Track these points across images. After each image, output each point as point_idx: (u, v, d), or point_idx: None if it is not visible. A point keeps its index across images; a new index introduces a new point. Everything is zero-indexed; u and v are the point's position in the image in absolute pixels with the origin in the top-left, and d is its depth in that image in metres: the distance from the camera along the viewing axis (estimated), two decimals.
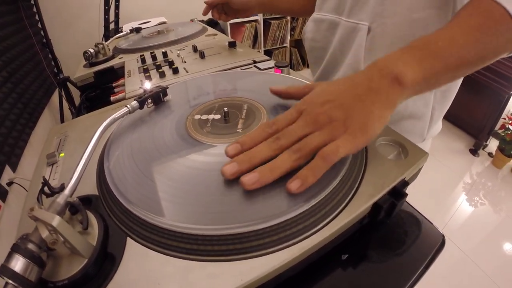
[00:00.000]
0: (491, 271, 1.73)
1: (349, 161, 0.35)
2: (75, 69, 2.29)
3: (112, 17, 1.60)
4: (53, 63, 1.92)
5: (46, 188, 0.31)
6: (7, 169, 1.15)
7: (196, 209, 0.30)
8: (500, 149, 2.57)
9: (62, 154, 0.46)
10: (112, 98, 0.68)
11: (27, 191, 1.17)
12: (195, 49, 0.81)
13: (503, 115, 2.68)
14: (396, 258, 0.35)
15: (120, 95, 0.67)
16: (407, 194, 0.35)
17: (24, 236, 0.25)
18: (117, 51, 0.94)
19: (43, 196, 0.31)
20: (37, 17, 1.81)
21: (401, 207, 0.37)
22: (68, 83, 1.87)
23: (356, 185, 0.34)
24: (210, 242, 0.28)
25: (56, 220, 0.25)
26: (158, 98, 0.48)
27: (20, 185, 1.19)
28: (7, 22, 1.48)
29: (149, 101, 0.46)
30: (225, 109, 0.43)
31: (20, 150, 1.28)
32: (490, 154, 2.77)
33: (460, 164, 2.66)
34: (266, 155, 0.32)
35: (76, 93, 1.99)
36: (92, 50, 0.86)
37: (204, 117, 0.45)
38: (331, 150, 0.30)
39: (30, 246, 0.25)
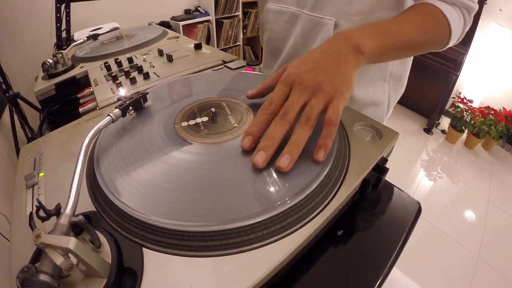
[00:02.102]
0: (460, 237, 1.88)
1: (336, 147, 0.39)
2: (25, 84, 2.15)
3: (63, 25, 1.51)
4: (0, 79, 1.78)
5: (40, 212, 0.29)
6: None
7: (214, 206, 0.32)
8: (452, 125, 2.81)
9: (41, 174, 0.44)
10: (81, 110, 0.65)
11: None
12: (161, 52, 0.80)
13: (452, 95, 2.93)
14: (383, 228, 0.40)
15: (90, 105, 0.65)
16: (388, 169, 0.41)
17: (26, 268, 0.23)
18: (77, 60, 0.89)
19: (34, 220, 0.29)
20: None
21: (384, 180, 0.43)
22: (19, 99, 1.75)
23: (346, 166, 0.38)
24: (233, 235, 0.29)
25: (72, 242, 0.23)
26: (139, 104, 0.47)
27: None
28: None
29: (130, 108, 0.45)
30: (213, 109, 0.44)
31: None
32: (443, 131, 3.01)
33: (416, 143, 2.86)
34: (282, 133, 0.36)
35: (28, 110, 1.87)
36: (50, 61, 0.82)
37: (192, 122, 0.45)
38: (333, 113, 0.35)
39: (43, 277, 0.23)
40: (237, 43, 3.46)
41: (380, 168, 0.40)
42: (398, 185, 0.46)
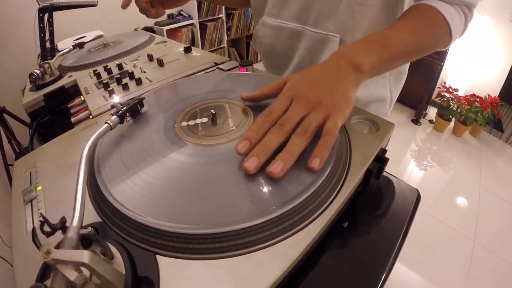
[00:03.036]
0: (454, 223, 1.91)
1: (338, 142, 0.39)
2: (10, 97, 2.11)
3: (46, 35, 1.48)
4: None
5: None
6: None
7: (226, 207, 0.32)
8: (439, 115, 2.86)
9: (39, 188, 0.42)
10: (73, 120, 0.64)
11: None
12: (150, 58, 0.79)
13: (438, 85, 2.97)
14: (387, 216, 0.41)
15: (82, 115, 0.64)
16: (388, 159, 0.42)
17: (37, 287, 0.22)
18: (64, 69, 0.88)
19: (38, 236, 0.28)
20: None
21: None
22: (4, 114, 1.71)
23: (349, 159, 0.39)
24: (248, 234, 0.29)
25: (86, 256, 0.23)
26: (136, 110, 0.47)
27: None
28: None
29: (127, 114, 0.45)
30: (212, 111, 0.44)
31: None
32: (430, 121, 3.06)
33: (405, 134, 2.90)
34: (277, 142, 0.35)
35: (14, 124, 1.83)
36: (38, 72, 0.80)
37: (192, 122, 0.45)
38: (332, 125, 0.36)
39: None
40: (222, 45, 3.46)
41: (381, 159, 0.41)
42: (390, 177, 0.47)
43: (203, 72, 0.70)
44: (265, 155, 0.34)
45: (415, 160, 2.54)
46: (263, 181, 0.34)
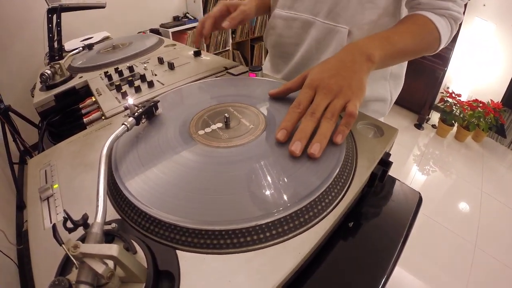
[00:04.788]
0: (456, 227, 1.92)
1: (345, 146, 0.42)
2: (16, 95, 2.13)
3: (54, 35, 1.50)
4: None
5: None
6: None
7: (244, 204, 0.34)
8: (442, 120, 2.86)
9: (56, 186, 0.43)
10: (85, 120, 0.65)
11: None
12: (161, 61, 0.80)
13: (441, 90, 2.99)
14: (390, 218, 0.43)
15: (94, 115, 0.65)
16: (392, 162, 0.45)
17: (58, 282, 0.23)
18: (74, 70, 0.90)
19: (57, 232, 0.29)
20: None
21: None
22: (10, 112, 1.73)
23: (355, 161, 0.43)
24: (263, 231, 0.31)
25: (116, 250, 0.24)
26: (151, 112, 0.48)
27: None
28: None
29: (143, 116, 0.46)
30: (226, 115, 0.46)
31: None
32: (433, 126, 3.07)
33: (408, 139, 2.90)
34: (312, 127, 0.41)
35: (20, 123, 1.85)
36: (49, 72, 0.81)
37: (208, 129, 0.47)
38: (353, 107, 0.42)
39: (83, 287, 0.23)
40: (227, 48, 3.47)
41: (385, 162, 0.44)
42: None
43: (214, 76, 0.71)
44: (305, 139, 0.40)
45: (417, 165, 2.55)
46: (280, 181, 0.37)
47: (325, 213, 0.34)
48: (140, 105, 0.48)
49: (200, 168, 0.40)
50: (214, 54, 3.30)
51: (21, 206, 1.83)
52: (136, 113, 0.44)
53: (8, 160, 1.80)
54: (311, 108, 0.43)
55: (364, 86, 0.45)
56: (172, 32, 2.92)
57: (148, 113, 0.47)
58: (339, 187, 0.37)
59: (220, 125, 0.48)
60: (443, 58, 2.69)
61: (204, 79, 0.70)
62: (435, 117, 3.12)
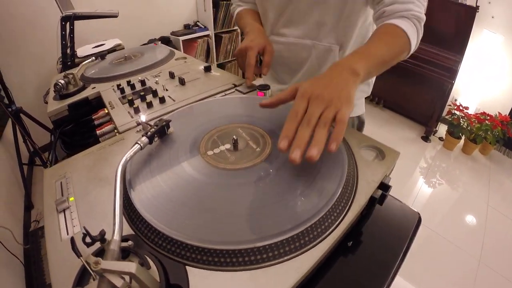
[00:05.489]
0: (460, 242, 1.91)
1: (346, 171, 0.44)
2: (28, 98, 2.17)
3: (67, 42, 1.54)
4: (3, 93, 1.80)
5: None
6: None
7: (250, 226, 0.37)
8: (449, 132, 2.85)
9: (72, 199, 0.46)
10: (98, 132, 0.67)
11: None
12: (172, 75, 0.83)
13: (448, 102, 2.97)
14: (388, 237, 0.45)
15: (107, 128, 0.68)
16: (391, 186, 0.46)
17: None
18: (86, 80, 0.92)
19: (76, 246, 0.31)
20: None
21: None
22: (21, 114, 1.78)
23: (355, 186, 0.44)
24: (267, 251, 0.34)
25: (133, 267, 0.27)
26: (163, 131, 0.51)
27: None
28: None
29: (155, 135, 0.49)
30: (234, 137, 0.49)
31: None
32: (440, 138, 3.05)
33: (415, 151, 2.89)
34: (309, 135, 0.44)
35: (30, 124, 1.89)
36: (62, 82, 0.83)
37: (217, 150, 0.50)
38: (343, 115, 0.45)
39: None
40: (234, 58, 3.51)
41: (385, 186, 0.46)
42: (399, 194, 0.51)
43: (223, 93, 0.74)
44: (303, 146, 0.43)
45: (424, 177, 2.54)
46: (283, 205, 0.39)
47: (323, 236, 0.37)
48: (152, 123, 0.50)
49: (207, 189, 0.43)
50: (223, 63, 3.34)
51: (28, 206, 1.87)
52: (149, 133, 0.46)
53: (18, 161, 1.84)
54: (306, 117, 0.46)
55: (352, 98, 0.48)
56: (182, 40, 2.96)
57: (160, 132, 0.50)
58: (338, 211, 0.39)
59: (228, 146, 0.50)
60: (450, 70, 2.68)
61: (213, 96, 0.73)
62: (442, 129, 3.11)
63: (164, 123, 0.50)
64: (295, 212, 0.38)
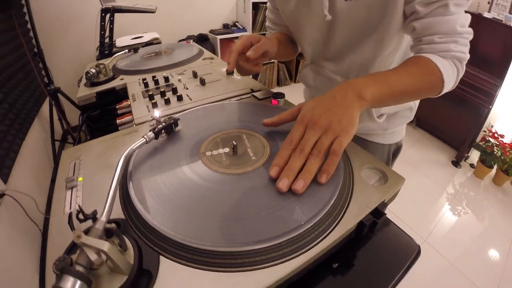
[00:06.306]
0: (477, 279, 1.82)
1: (339, 189, 0.43)
2: (66, 80, 2.28)
3: (106, 32, 1.63)
4: (44, 73, 1.92)
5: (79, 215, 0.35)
6: None
7: (224, 230, 0.38)
8: (481, 160, 2.71)
9: (80, 179, 0.50)
10: (118, 121, 0.72)
11: (18, 203, 1.18)
12: (195, 74, 0.86)
13: (484, 128, 2.83)
14: (378, 266, 0.43)
15: (126, 118, 0.72)
16: (386, 214, 0.44)
17: (64, 258, 0.29)
18: (117, 71, 0.98)
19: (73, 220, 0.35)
20: (29, 26, 1.81)
21: (382, 224, 0.45)
22: (58, 94, 1.88)
23: (345, 208, 0.43)
24: (233, 257, 0.35)
25: (106, 246, 0.30)
26: (170, 128, 0.53)
27: (12, 197, 1.20)
28: None
29: (162, 131, 0.51)
30: (234, 142, 0.50)
31: (11, 162, 1.28)
32: (471, 165, 2.91)
33: (443, 175, 2.77)
34: (300, 164, 0.44)
35: (66, 104, 2.00)
36: (93, 70, 0.89)
37: (215, 152, 0.52)
38: (338, 145, 0.43)
39: (78, 267, 0.29)
40: (272, 61, 3.53)
41: (378, 213, 0.43)
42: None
43: (239, 97, 0.76)
44: (292, 176, 0.43)
45: (449, 204, 2.43)
46: (259, 217, 0.39)
47: (293, 255, 0.36)
48: (162, 121, 0.53)
49: (192, 187, 0.45)
50: (268, 63, 3.33)
51: (54, 179, 1.97)
52: (156, 129, 0.49)
53: (51, 136, 1.95)
54: (300, 145, 0.45)
55: (354, 122, 0.46)
56: (220, 39, 3.02)
57: (167, 129, 0.53)
58: (318, 232, 0.39)
59: (227, 150, 0.52)
60: (489, 94, 2.55)
61: (229, 99, 0.75)
62: (474, 156, 2.96)
63: (172, 121, 0.53)
64: (269, 226, 0.38)
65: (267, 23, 0.88)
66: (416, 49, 0.59)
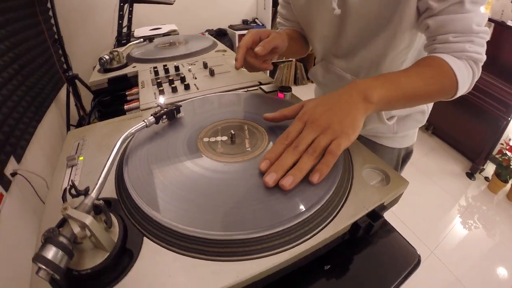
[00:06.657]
0: None
1: (335, 186, 0.41)
2: (84, 67, 2.34)
3: (125, 22, 1.66)
4: (63, 59, 1.96)
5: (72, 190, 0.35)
6: (12, 160, 1.19)
7: (206, 217, 0.37)
8: (496, 174, 2.61)
9: (81, 158, 0.51)
10: (126, 107, 0.73)
11: (29, 182, 1.21)
12: (205, 65, 0.86)
13: (501, 141, 2.73)
14: (373, 272, 0.41)
15: (134, 105, 0.73)
16: (383, 217, 0.41)
17: (52, 230, 0.30)
18: (130, 59, 0.99)
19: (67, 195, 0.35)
20: (50, 13, 1.85)
21: (378, 227, 0.42)
22: (76, 80, 1.92)
23: (339, 207, 0.40)
24: (214, 245, 0.34)
25: (89, 219, 0.30)
26: (172, 114, 0.54)
27: (23, 177, 1.23)
28: (21, 17, 1.51)
29: (164, 117, 0.52)
30: (232, 131, 0.50)
31: (25, 142, 1.32)
32: (486, 178, 2.81)
33: (456, 186, 2.69)
34: (291, 160, 0.42)
35: (83, 90, 2.05)
36: (107, 57, 0.91)
37: (213, 139, 0.51)
38: (335, 146, 0.41)
39: (62, 239, 0.29)
40: (290, 59, 3.51)
41: (376, 215, 0.40)
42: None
43: (246, 89, 0.75)
44: (281, 171, 0.41)
45: (460, 216, 2.37)
46: (244, 205, 0.39)
47: (276, 251, 0.35)
48: (169, 106, 0.53)
49: (183, 171, 0.44)
50: (277, 62, 3.34)
51: None
52: (158, 114, 0.49)
53: (66, 121, 2.00)
54: (296, 141, 0.43)
55: (356, 125, 0.44)
56: (238, 34, 3.03)
57: (169, 115, 0.53)
58: (306, 229, 0.37)
59: (225, 138, 0.51)
60: (508, 105, 2.46)
61: (236, 90, 0.75)
62: (490, 168, 2.87)
63: (174, 107, 0.53)
64: (254, 217, 0.37)
65: (278, 19, 0.86)
66: (430, 48, 0.56)
